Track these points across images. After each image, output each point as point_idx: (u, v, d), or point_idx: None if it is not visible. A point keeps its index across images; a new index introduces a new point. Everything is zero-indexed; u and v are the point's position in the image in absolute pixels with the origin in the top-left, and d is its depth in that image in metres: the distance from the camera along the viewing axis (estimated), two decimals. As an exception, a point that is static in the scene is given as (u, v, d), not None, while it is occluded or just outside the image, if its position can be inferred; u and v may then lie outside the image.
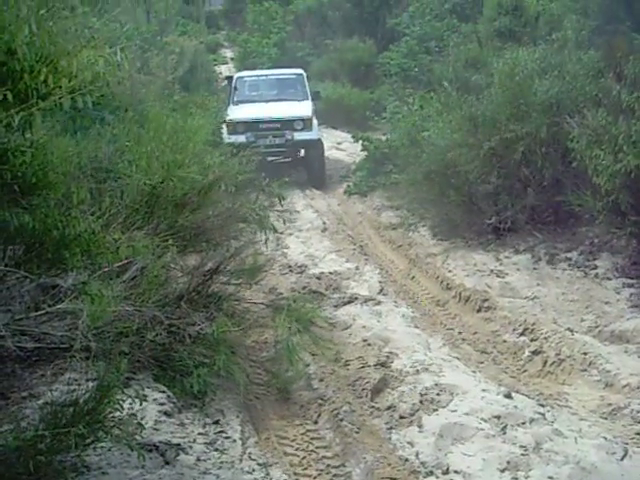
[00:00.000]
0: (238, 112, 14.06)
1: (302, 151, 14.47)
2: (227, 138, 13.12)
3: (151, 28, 16.70)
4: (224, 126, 13.61)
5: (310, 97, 14.96)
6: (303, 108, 14.29)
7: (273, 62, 25.02)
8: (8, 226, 3.88)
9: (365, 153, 14.17)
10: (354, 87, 21.70)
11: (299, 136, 13.84)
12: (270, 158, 13.30)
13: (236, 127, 13.60)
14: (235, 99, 14.68)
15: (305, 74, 15.77)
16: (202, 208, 6.05)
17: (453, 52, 14.30)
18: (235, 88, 14.88)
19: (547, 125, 8.95)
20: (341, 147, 18.12)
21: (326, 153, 15.43)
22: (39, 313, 5.03)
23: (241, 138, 13.14)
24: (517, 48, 10.57)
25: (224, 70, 26.70)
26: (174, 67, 15.36)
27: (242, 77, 15.62)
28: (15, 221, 3.76)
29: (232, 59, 30.43)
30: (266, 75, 15.97)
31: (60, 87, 3.48)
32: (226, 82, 15.97)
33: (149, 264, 5.28)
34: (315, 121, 14.37)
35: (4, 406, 4.74)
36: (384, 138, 13.91)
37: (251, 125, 13.69)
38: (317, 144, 14.20)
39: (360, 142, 14.24)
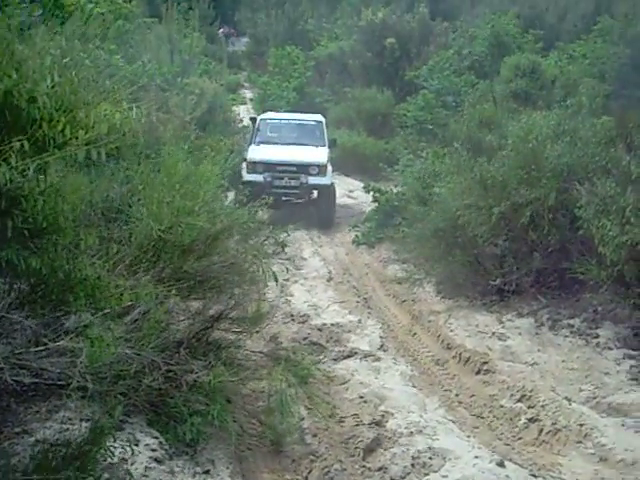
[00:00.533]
0: (258, 153, 14.76)
1: (315, 193, 15.15)
2: (246, 176, 14.21)
3: (172, 69, 16.96)
4: (244, 165, 14.44)
5: (327, 144, 15.64)
6: (319, 154, 15.03)
7: (291, 106, 25.48)
8: (15, 266, 3.96)
9: (375, 204, 14.25)
10: (369, 136, 21.89)
11: (313, 180, 14.64)
12: (284, 198, 14.46)
13: (255, 167, 14.40)
14: (257, 139, 15.34)
15: (324, 121, 16.42)
16: (208, 255, 6.10)
17: (468, 111, 14.45)
18: (258, 129, 15.58)
19: (556, 191, 9.00)
20: (352, 195, 18.24)
21: (337, 200, 15.94)
22: (39, 348, 5.05)
23: (259, 178, 14.17)
24: (532, 111, 10.67)
25: (242, 110, 27.01)
26: (193, 107, 15.58)
27: (265, 119, 16.29)
28: (22, 263, 3.83)
29: (251, 100, 30.83)
30: (288, 119, 16.62)
31: (77, 138, 3.58)
32: (250, 122, 16.68)
33: (151, 309, 5.32)
34: (329, 167, 15.09)
35: (-4, 441, 4.75)
36: (395, 190, 14.00)
37: (269, 166, 14.41)
38: (329, 189, 14.99)
39: (371, 193, 14.34)
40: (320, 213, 15.15)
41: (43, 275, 4.11)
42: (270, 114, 17.49)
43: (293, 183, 14.47)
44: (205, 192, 6.22)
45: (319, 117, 16.66)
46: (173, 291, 5.38)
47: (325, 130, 16.03)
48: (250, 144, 15.29)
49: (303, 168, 14.58)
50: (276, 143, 15.24)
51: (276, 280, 7.23)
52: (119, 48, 14.85)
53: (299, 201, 15.04)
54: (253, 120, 16.19)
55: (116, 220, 6.23)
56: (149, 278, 5.48)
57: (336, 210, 15.55)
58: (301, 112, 18.14)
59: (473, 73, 22.45)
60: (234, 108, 23.66)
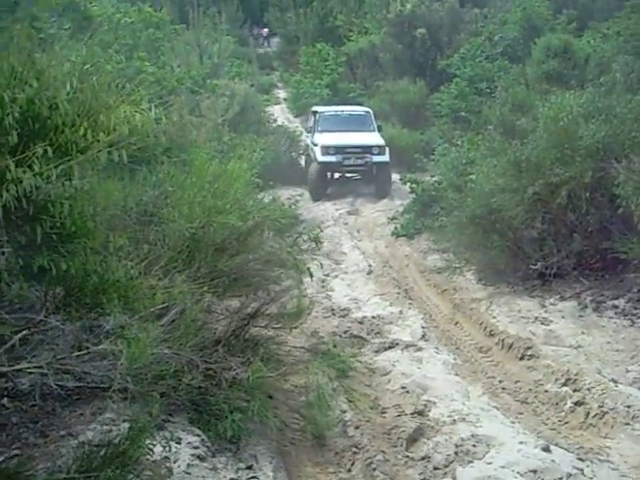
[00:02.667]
0: (327, 139, 17.54)
1: (374, 170, 17.53)
2: (321, 158, 17.28)
3: (202, 71, 17.11)
4: (317, 149, 17.45)
5: (376, 129, 18.52)
6: (377, 138, 17.95)
7: (325, 103, 25.58)
8: (48, 272, 4.02)
9: (413, 195, 14.18)
10: (404, 128, 21.78)
11: (376, 159, 17.36)
12: (348, 175, 18.16)
13: (328, 150, 17.24)
14: (319, 128, 18.21)
15: (372, 111, 19.40)
16: (242, 253, 6.13)
17: (500, 95, 14.28)
18: (318, 120, 18.52)
19: (593, 170, 8.85)
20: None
21: None
22: (81, 353, 5.13)
23: (332, 158, 17.23)
24: (564, 92, 10.49)
25: (277, 110, 27.10)
26: (225, 109, 15.70)
27: (323, 112, 19.10)
28: (53, 268, 3.89)
29: (285, 99, 30.88)
30: (342, 111, 19.53)
31: (98, 141, 3.62)
32: (311, 114, 19.66)
33: (187, 308, 5.36)
34: (387, 147, 17.66)
35: (42, 444, 4.84)
36: (431, 180, 13.91)
37: (340, 149, 17.27)
38: (387, 165, 17.54)
39: (408, 184, 14.27)
40: (379, 186, 17.48)
41: (75, 279, 4.16)
42: (326, 107, 20.22)
43: (360, 162, 17.32)
44: (236, 190, 6.26)
45: (367, 108, 19.85)
46: (208, 287, 5.41)
47: (373, 118, 18.82)
48: (314, 132, 18.23)
49: (367, 149, 17.39)
50: (335, 131, 17.84)
51: (311, 276, 7.26)
52: (150, 55, 15.05)
53: (360, 177, 18.03)
54: (315, 112, 19.06)
55: (150, 223, 6.30)
56: (184, 278, 5.52)
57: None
58: (349, 104, 21.31)
59: (506, 58, 22.17)
60: (268, 108, 23.72)
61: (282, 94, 32.17)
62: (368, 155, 17.32)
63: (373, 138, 17.87)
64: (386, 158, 17.46)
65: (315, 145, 17.72)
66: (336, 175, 18.41)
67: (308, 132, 19.26)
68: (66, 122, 3.67)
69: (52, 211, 3.72)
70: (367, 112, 19.16)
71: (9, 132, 3.51)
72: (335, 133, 17.77)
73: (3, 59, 3.74)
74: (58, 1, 10.83)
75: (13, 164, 3.40)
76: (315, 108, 20.00)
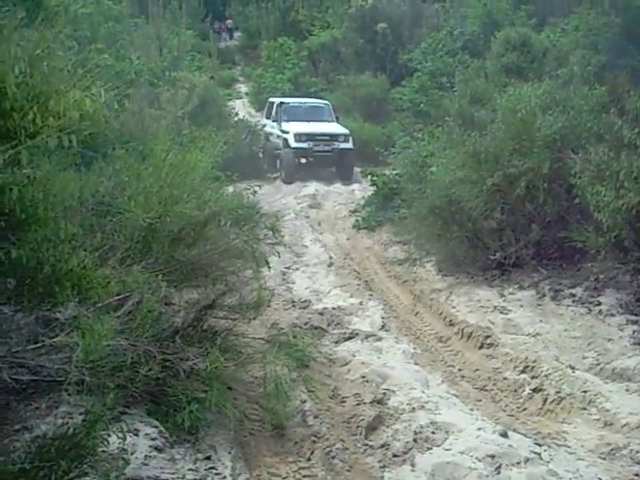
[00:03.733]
0: (298, 127, 19.25)
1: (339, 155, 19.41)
2: (294, 144, 18.99)
3: (161, 64, 16.96)
4: (290, 136, 19.09)
5: (336, 120, 20.44)
6: (342, 127, 19.97)
7: (283, 96, 25.70)
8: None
9: (374, 188, 14.22)
10: (366, 122, 21.87)
11: (342, 146, 19.25)
12: (311, 159, 19.33)
13: (301, 137, 19.01)
14: (285, 118, 19.83)
15: (330, 103, 21.35)
16: (199, 243, 6.08)
17: (460, 88, 14.39)
18: (283, 110, 20.12)
19: (550, 160, 8.96)
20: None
21: (335, 189, 18.17)
22: (36, 346, 5.04)
23: (304, 145, 19.00)
24: (522, 84, 10.59)
25: (239, 104, 26.94)
26: (184, 102, 15.58)
27: (287, 102, 20.89)
28: (3, 257, 3.82)
29: (247, 94, 30.71)
30: (304, 102, 21.48)
31: (48, 126, 3.55)
32: (276, 106, 20.79)
33: (144, 299, 5.30)
34: (351, 137, 19.43)
35: (-3, 439, 4.76)
36: (392, 173, 13.96)
37: (311, 136, 19.11)
38: (351, 152, 19.36)
39: (369, 177, 14.31)
40: (343, 170, 19.40)
41: (27, 267, 4.09)
42: (288, 99, 21.82)
43: (327, 148, 19.14)
44: (192, 180, 6.20)
45: (326, 101, 21.75)
46: (165, 280, 5.36)
47: (332, 110, 20.79)
48: (281, 121, 19.77)
49: (335, 137, 19.33)
50: (300, 120, 19.60)
51: (268, 266, 7.23)
52: (109, 48, 14.85)
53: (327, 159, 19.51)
54: (279, 104, 20.56)
55: (106, 213, 6.22)
56: (140, 268, 5.46)
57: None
58: (307, 97, 23.08)
59: (466, 53, 22.36)
60: (229, 103, 23.59)
61: (244, 88, 31.96)
62: (335, 142, 19.21)
63: (338, 127, 19.91)
64: (350, 145, 19.30)
65: (285, 132, 19.37)
66: (303, 160, 19.67)
67: (269, 122, 20.74)
68: (14, 107, 3.60)
69: (0, 198, 3.65)
70: (326, 104, 21.17)
71: (-46, 116, 3.43)
72: (302, 122, 19.50)
73: (-52, 42, 3.66)
74: (12, -10, 10.62)
75: (-42, 149, 3.33)
76: (273, 99, 21.68)
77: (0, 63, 3.69)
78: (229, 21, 41.90)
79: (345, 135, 19.41)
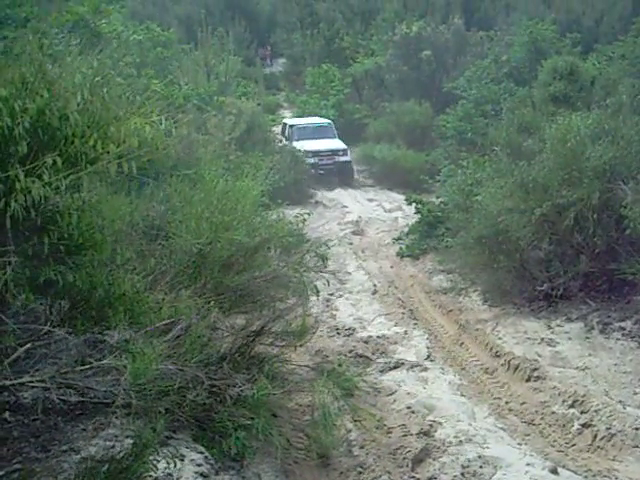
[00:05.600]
0: (306, 145, 21.84)
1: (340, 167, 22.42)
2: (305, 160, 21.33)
3: (209, 89, 17.18)
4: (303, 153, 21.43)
5: (337, 136, 23.42)
6: (340, 143, 22.94)
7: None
8: (54, 284, 3.99)
9: (418, 216, 14.15)
10: (410, 149, 21.82)
11: (341, 159, 22.32)
12: (321, 171, 21.91)
13: (308, 154, 21.37)
14: (295, 137, 22.74)
15: (332, 122, 24.28)
16: (248, 269, 6.10)
17: (506, 116, 14.30)
18: (293, 131, 23.24)
19: (600, 191, 8.82)
20: (394, 210, 18.28)
21: (379, 217, 17.88)
22: (85, 367, 5.08)
23: (312, 160, 21.51)
24: (570, 113, 10.49)
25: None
26: (231, 127, 15.74)
27: (296, 124, 24.06)
28: (60, 280, 3.87)
29: (291, 120, 30.91)
30: (309, 123, 24.36)
31: (108, 152, 3.61)
32: (284, 126, 24.13)
33: (193, 324, 5.31)
34: (349, 151, 22.68)
35: (44, 459, 4.78)
36: (437, 201, 13.89)
37: (316, 153, 21.91)
38: (349, 163, 22.68)
39: (413, 205, 14.25)
40: (343, 178, 22.22)
41: (82, 291, 4.14)
42: (296, 120, 25.35)
43: (329, 162, 22.12)
44: (243, 207, 6.24)
45: (328, 120, 24.62)
46: (214, 305, 5.38)
47: (334, 127, 23.83)
48: (292, 141, 22.39)
49: (335, 152, 22.36)
50: (307, 139, 22.49)
51: (317, 293, 7.21)
52: (157, 73, 15.11)
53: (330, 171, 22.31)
54: (290, 126, 23.76)
55: (157, 237, 6.28)
56: (190, 293, 5.49)
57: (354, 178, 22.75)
58: (312, 116, 25.79)
59: (512, 80, 22.19)
60: (274, 128, 23.80)
61: (288, 114, 32.21)
62: (335, 157, 22.36)
63: (338, 144, 23.00)
64: (348, 158, 22.66)
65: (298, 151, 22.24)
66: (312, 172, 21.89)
67: (284, 140, 23.15)
68: (76, 133, 3.67)
69: (60, 222, 3.71)
70: (329, 123, 24.21)
71: (19, 142, 3.50)
72: (309, 140, 22.48)
73: (14, 69, 3.74)
74: (69, 17, 10.91)
75: (22, 174, 3.39)
76: (286, 120, 25.09)
77: (63, 90, 3.77)
78: (267, 47, 42.36)
79: (343, 150, 22.58)
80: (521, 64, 23.29)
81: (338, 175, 22.39)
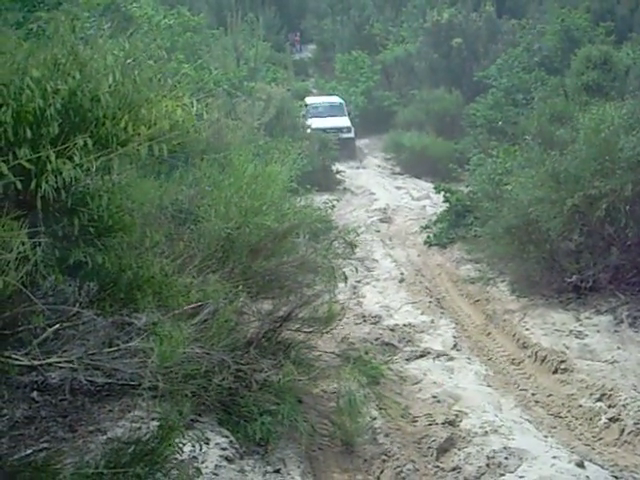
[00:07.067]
0: (316, 122, 22.75)
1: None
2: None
3: (239, 74, 17.15)
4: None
5: (347, 114, 25.46)
6: (346, 121, 24.97)
7: (360, 110, 26.89)
8: (84, 265, 4.00)
9: (446, 204, 14.04)
10: (439, 137, 21.67)
11: (344, 135, 24.16)
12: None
13: (318, 130, 22.18)
14: (309, 115, 23.64)
15: (344, 101, 26.20)
16: (276, 255, 6.09)
17: (538, 106, 14.13)
18: (308, 109, 24.37)
19: (633, 183, 8.69)
20: (423, 198, 18.18)
21: (407, 205, 17.85)
22: (112, 349, 5.10)
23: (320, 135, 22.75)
24: (604, 103, 10.32)
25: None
26: (261, 113, 15.72)
27: (312, 103, 25.68)
28: (89, 261, 3.87)
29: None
30: (323, 102, 26.41)
31: (139, 134, 3.60)
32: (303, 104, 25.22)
33: (220, 308, 5.32)
34: (352, 128, 24.81)
35: (71, 439, 4.82)
36: (466, 190, 13.77)
37: (324, 129, 22.80)
38: (352, 139, 24.83)
39: (442, 193, 14.15)
40: (347, 152, 23.78)
41: (111, 273, 4.15)
42: (312, 99, 26.90)
43: (335, 138, 22.63)
44: (273, 192, 6.22)
45: (340, 99, 26.46)
46: (241, 290, 5.37)
47: (344, 106, 25.72)
48: (307, 118, 23.02)
49: (340, 129, 24.17)
50: (320, 116, 24.11)
51: (346, 280, 7.18)
52: (187, 58, 15.10)
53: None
54: (307, 105, 24.88)
55: (185, 221, 6.29)
56: (218, 277, 5.49)
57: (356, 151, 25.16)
58: (330, 95, 27.75)
59: (543, 69, 21.91)
60: (302, 114, 23.80)
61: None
62: (340, 133, 23.99)
63: (344, 121, 24.92)
64: (352, 135, 24.78)
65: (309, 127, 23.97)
66: None
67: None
68: (107, 115, 3.66)
69: (90, 204, 3.71)
70: (341, 103, 26.08)
71: (50, 123, 3.50)
72: (320, 118, 23.94)
73: (46, 50, 3.74)
74: (100, 1, 10.93)
75: (53, 155, 3.38)
76: (306, 100, 26.12)
77: (95, 71, 3.77)
78: (297, 34, 42.19)
79: (348, 127, 24.70)
80: (553, 53, 22.98)
81: (340, 150, 23.40)
